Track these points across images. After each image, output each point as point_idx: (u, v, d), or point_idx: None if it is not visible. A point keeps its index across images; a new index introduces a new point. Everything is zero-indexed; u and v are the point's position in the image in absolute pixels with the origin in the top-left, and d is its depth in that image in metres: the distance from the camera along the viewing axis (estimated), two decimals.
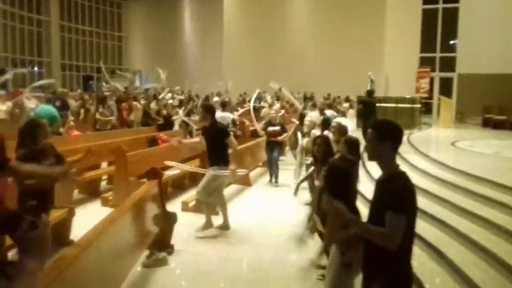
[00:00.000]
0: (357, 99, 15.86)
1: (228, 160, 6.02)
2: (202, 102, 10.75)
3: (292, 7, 25.79)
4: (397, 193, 2.49)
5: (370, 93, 12.39)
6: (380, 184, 2.66)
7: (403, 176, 2.59)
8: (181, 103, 13.86)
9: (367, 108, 11.23)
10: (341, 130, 5.95)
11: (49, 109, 8.94)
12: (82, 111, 13.15)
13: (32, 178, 3.62)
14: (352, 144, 4.95)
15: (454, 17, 19.25)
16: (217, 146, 5.92)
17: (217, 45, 28.63)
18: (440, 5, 19.82)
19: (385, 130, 2.65)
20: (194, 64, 31.93)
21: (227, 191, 7.88)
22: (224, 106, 11.90)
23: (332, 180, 3.40)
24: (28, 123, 4.37)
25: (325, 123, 7.39)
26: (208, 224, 6.02)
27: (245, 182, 8.80)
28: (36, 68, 30.16)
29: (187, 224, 6.05)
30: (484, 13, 17.88)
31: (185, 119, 11.11)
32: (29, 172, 3.31)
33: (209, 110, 6.14)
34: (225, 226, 6.21)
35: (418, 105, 16.48)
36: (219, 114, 11.63)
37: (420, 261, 4.91)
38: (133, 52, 36.49)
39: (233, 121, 10.93)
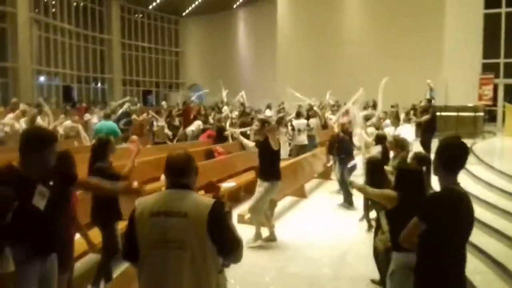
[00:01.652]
0: (412, 108, 15.41)
1: (277, 174, 6.02)
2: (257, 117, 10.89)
3: (346, 18, 25.54)
4: (427, 201, 2.68)
5: (429, 101, 11.95)
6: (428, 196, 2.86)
7: (451, 191, 2.59)
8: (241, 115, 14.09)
9: (431, 116, 10.83)
10: (399, 143, 5.75)
11: (111, 124, 9.33)
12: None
13: (99, 192, 3.85)
14: (422, 159, 4.80)
15: None
16: (265, 161, 5.95)
17: (271, 57, 28.85)
18: (503, 9, 18.94)
19: (439, 146, 2.74)
20: (248, 76, 32.35)
21: (282, 203, 7.88)
22: (298, 115, 12.20)
23: (403, 181, 3.47)
24: (99, 140, 4.63)
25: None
26: (257, 235, 6.04)
27: (300, 193, 8.75)
28: (99, 85, 31.70)
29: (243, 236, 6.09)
30: None
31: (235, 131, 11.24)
32: (96, 186, 3.51)
33: (264, 123, 6.19)
34: (271, 238, 6.21)
35: (481, 113, 15.76)
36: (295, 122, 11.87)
37: (484, 276, 4.77)
38: (190, 66, 37.55)
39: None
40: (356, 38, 24.77)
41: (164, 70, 36.48)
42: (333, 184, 9.41)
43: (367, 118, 11.38)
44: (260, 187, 5.93)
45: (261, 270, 5.26)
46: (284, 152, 9.87)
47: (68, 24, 27.71)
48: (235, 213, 6.77)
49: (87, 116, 10.62)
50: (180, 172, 2.41)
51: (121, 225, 5.09)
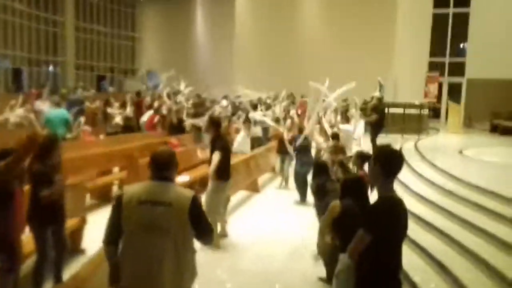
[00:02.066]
0: (364, 103, 15.90)
1: (224, 174, 6.00)
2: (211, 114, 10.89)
3: (302, 10, 25.83)
4: (369, 214, 2.78)
5: (380, 100, 12.45)
6: (368, 206, 2.98)
7: (389, 201, 2.75)
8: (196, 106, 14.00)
9: (379, 115, 11.43)
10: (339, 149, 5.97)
11: (62, 112, 9.08)
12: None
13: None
14: (365, 156, 5.03)
15: (465, 22, 19.23)
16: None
17: (229, 46, 28.75)
18: (451, 9, 19.79)
19: (377, 154, 2.86)
20: (206, 65, 32.14)
21: (235, 198, 8.03)
22: (255, 107, 12.25)
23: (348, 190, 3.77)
24: (47, 139, 4.43)
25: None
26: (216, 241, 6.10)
27: (254, 188, 8.93)
28: (51, 68, 30.56)
29: None
30: (494, 18, 17.84)
31: (194, 122, 11.20)
32: None
33: (213, 123, 6.17)
34: (223, 234, 6.34)
35: (426, 111, 16.50)
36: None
37: (424, 275, 4.97)
38: (146, 52, 36.79)
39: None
40: (311, 32, 25.10)
41: (119, 56, 35.52)
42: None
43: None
44: (210, 186, 6.00)
45: (213, 266, 5.37)
46: (246, 148, 9.96)
47: (19, 4, 26.47)
48: None
49: (38, 104, 10.23)
50: (163, 167, 2.79)
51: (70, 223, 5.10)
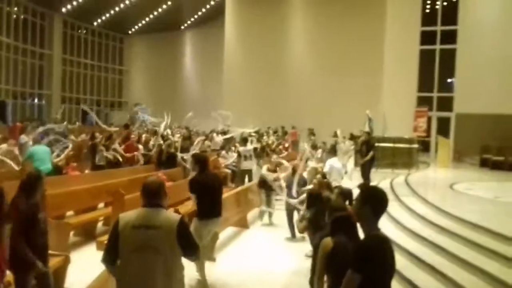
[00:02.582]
0: (350, 137, 15.94)
1: (214, 213, 5.84)
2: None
3: (291, 45, 26.20)
4: (357, 252, 2.72)
5: (368, 134, 12.47)
6: (355, 245, 2.89)
7: (377, 238, 2.73)
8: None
9: (368, 149, 11.39)
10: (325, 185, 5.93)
11: (44, 148, 8.93)
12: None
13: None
14: (346, 194, 5.08)
15: (451, 58, 19.59)
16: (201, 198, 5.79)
17: (218, 79, 28.95)
18: (438, 46, 20.20)
19: (368, 194, 2.84)
20: (194, 98, 32.23)
21: (223, 234, 7.80)
22: (245, 141, 12.29)
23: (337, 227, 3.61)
24: (30, 176, 4.28)
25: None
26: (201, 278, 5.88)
27: (243, 224, 8.71)
28: (36, 100, 30.39)
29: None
30: (481, 54, 18.21)
31: (183, 156, 11.05)
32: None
33: (197, 160, 5.97)
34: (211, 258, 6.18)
35: (416, 145, 16.57)
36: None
37: None
38: (134, 85, 36.91)
39: None
40: (299, 67, 25.43)
41: (106, 88, 35.61)
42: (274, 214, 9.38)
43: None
44: (192, 224, 5.77)
45: None
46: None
47: (6, 37, 26.49)
48: None
49: (23, 138, 9.99)
50: (153, 195, 3.15)
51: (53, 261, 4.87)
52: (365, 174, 11.37)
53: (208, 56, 31.97)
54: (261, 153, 13.53)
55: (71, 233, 6.95)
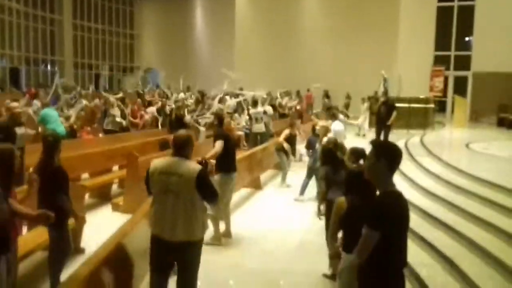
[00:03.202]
0: (368, 99, 15.69)
1: (231, 167, 5.96)
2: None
3: (304, 7, 25.61)
4: (374, 209, 2.64)
5: (386, 94, 12.29)
6: (372, 203, 2.76)
7: (393, 195, 2.66)
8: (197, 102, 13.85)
9: (389, 109, 11.20)
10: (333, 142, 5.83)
11: (55, 112, 8.99)
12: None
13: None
14: (359, 153, 4.95)
15: (470, 15, 18.96)
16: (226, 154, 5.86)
17: (229, 43, 28.55)
18: (456, 3, 19.55)
19: (382, 149, 2.75)
20: (206, 63, 31.91)
21: (237, 195, 7.84)
22: (255, 103, 12.21)
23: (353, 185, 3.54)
24: (50, 137, 4.42)
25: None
26: (217, 235, 5.95)
27: (256, 185, 8.74)
28: (49, 67, 30.42)
29: None
30: (500, 11, 17.55)
31: (192, 121, 11.01)
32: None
33: (218, 117, 6.20)
34: (227, 233, 6.17)
35: (432, 105, 16.30)
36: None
37: (431, 271, 4.85)
38: (145, 50, 36.60)
39: None
40: (313, 28, 24.91)
41: (118, 53, 35.38)
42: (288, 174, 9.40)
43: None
44: (214, 181, 5.85)
45: (216, 266, 5.20)
46: None
47: (16, 3, 26.30)
48: None
49: (35, 103, 10.04)
50: (180, 146, 3.62)
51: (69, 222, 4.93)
52: (385, 136, 11.24)
53: (219, 20, 31.38)
54: (274, 114, 13.43)
55: (87, 195, 7.04)
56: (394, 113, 11.04)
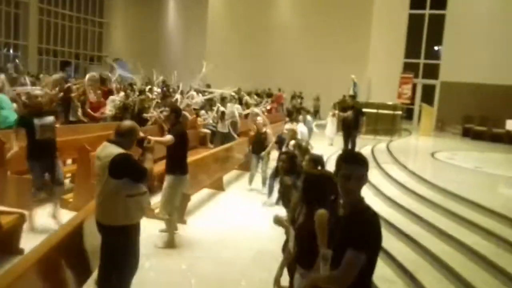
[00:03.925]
0: (338, 104, 15.58)
1: (185, 168, 5.63)
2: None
3: (279, 3, 25.42)
4: (359, 230, 2.31)
5: (354, 97, 12.01)
6: (344, 220, 2.43)
7: (368, 212, 2.40)
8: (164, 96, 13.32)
9: (357, 115, 10.50)
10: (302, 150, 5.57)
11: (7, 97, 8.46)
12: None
13: None
14: (318, 161, 4.75)
15: (440, 24, 19.17)
16: (173, 153, 5.51)
17: (201, 34, 28.08)
18: (427, 11, 19.72)
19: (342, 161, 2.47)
20: (177, 55, 31.30)
21: (197, 196, 7.51)
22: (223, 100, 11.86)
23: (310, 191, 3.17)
24: None
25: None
26: (170, 239, 5.63)
27: (218, 186, 8.41)
28: (11, 51, 29.16)
29: (148, 235, 5.62)
30: (470, 21, 17.79)
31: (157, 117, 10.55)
32: None
33: (174, 110, 5.77)
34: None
35: (399, 112, 16.37)
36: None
37: (392, 284, 4.71)
38: (114, 39, 35.64)
39: None
40: (287, 26, 24.78)
41: (86, 41, 34.31)
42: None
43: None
44: (166, 182, 5.51)
45: (167, 271, 4.91)
46: None
47: None
48: None
49: None
50: (117, 133, 3.68)
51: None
52: (352, 143, 10.71)
53: (191, 10, 30.80)
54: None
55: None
56: (363, 119, 10.55)
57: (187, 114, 10.28)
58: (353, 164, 2.42)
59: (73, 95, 10.82)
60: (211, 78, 18.43)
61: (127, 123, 3.80)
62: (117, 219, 3.60)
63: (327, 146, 12.87)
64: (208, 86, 18.69)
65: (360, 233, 2.28)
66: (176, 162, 5.51)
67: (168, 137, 5.42)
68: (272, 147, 8.50)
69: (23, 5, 28.89)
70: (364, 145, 12.18)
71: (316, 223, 2.97)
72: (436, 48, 20.26)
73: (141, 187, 3.69)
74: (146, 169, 3.67)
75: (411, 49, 19.95)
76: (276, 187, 7.74)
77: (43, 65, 29.83)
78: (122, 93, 11.94)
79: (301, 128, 9.66)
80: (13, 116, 7.91)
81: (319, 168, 4.76)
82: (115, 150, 3.57)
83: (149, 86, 14.89)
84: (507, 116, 12.78)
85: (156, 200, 6.25)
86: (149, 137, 5.33)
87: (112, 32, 35.54)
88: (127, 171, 3.57)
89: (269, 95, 21.07)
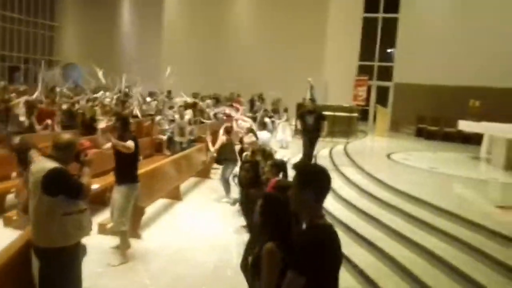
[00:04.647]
0: (297, 108, 15.60)
1: (137, 177, 5.42)
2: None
3: (233, 8, 25.29)
4: (301, 251, 2.17)
5: (313, 101, 11.54)
6: (297, 239, 2.32)
7: (321, 231, 2.24)
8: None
9: (318, 118, 9.86)
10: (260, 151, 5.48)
11: None
12: None
13: None
14: (280, 166, 4.73)
15: (393, 27, 19.59)
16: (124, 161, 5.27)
17: (157, 37, 27.55)
18: (380, 14, 20.10)
19: (307, 175, 2.32)
20: (131, 59, 30.59)
21: (153, 206, 7.25)
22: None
23: (268, 214, 2.76)
24: None
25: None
26: (124, 256, 5.36)
27: (175, 195, 8.15)
28: None
29: (100, 252, 5.34)
30: (422, 24, 18.23)
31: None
32: None
33: (120, 119, 5.47)
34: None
35: (356, 114, 16.57)
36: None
37: None
38: (67, 42, 34.49)
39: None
40: (242, 30, 24.67)
41: (35, 45, 32.99)
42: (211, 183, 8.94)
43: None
44: (119, 193, 5.24)
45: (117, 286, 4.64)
46: None
47: None
48: (96, 221, 5.99)
49: None
50: (52, 146, 3.40)
51: None
52: (312, 147, 10.06)
53: (147, 13, 30.14)
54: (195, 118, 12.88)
55: None
56: (325, 124, 9.89)
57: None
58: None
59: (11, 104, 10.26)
60: (168, 82, 18.11)
61: (65, 136, 3.50)
62: (54, 240, 3.28)
63: (280, 149, 12.80)
64: (169, 92, 18.37)
65: (300, 256, 2.15)
66: (128, 171, 5.26)
67: (130, 143, 5.16)
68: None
69: None
70: (322, 147, 12.20)
71: (262, 261, 2.56)
72: (389, 50, 20.69)
73: (80, 204, 3.41)
74: (83, 184, 3.36)
75: (366, 51, 20.29)
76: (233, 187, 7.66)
77: None
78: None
79: (261, 135, 9.57)
80: None
81: (281, 174, 4.65)
82: (49, 164, 3.27)
83: (101, 92, 14.49)
84: (459, 117, 13.14)
85: (106, 215, 5.96)
86: (113, 139, 5.12)
87: (64, 35, 34.38)
88: (62, 187, 3.26)
89: (229, 99, 20.91)
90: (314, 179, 2.28)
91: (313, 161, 9.74)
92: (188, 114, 11.97)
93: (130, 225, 5.52)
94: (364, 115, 19.68)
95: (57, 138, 3.45)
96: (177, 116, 11.20)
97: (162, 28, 27.02)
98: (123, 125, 5.34)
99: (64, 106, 11.31)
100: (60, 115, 10.55)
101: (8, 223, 5.90)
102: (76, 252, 3.45)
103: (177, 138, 10.87)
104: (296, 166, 2.41)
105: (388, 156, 11.12)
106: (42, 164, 3.32)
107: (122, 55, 31.23)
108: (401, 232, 5.70)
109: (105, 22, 31.85)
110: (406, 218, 6.16)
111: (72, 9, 33.97)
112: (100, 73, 16.52)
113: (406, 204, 6.56)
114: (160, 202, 7.67)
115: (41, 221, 3.27)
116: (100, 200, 6.97)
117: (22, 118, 9.50)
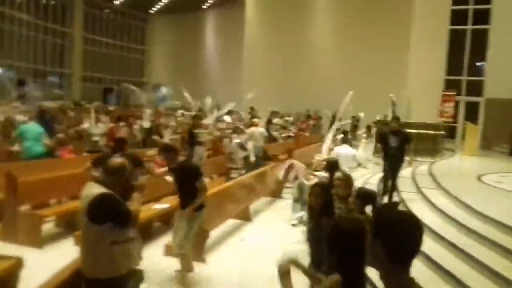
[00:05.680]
0: (376, 125, 14.95)
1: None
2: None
3: (313, 25, 25.12)
4: None
5: (398, 119, 9.79)
6: None
7: None
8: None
9: (405, 140, 8.71)
10: (349, 183, 4.51)
11: (36, 127, 8.43)
12: None
13: None
14: (367, 197, 4.01)
15: (483, 39, 18.25)
16: (185, 187, 5.13)
17: (239, 61, 28.19)
18: (469, 26, 18.86)
19: (379, 223, 1.70)
20: (215, 80, 31.58)
21: (221, 227, 7.07)
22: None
23: (335, 244, 2.27)
24: None
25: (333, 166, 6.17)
26: (184, 281, 5.22)
27: (245, 216, 7.95)
28: (56, 79, 30.26)
29: (164, 275, 5.24)
30: None
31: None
32: None
33: (166, 149, 5.29)
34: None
35: (441, 132, 15.52)
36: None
37: None
38: (155, 65, 36.46)
39: None
40: (322, 46, 24.41)
41: (128, 68, 35.25)
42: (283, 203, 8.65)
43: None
44: (182, 216, 5.11)
45: None
46: None
47: (26, 14, 26.27)
48: (163, 242, 5.94)
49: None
50: (103, 170, 3.25)
51: None
52: (395, 176, 8.78)
53: (229, 36, 31.14)
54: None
55: (52, 224, 6.34)
56: (411, 147, 8.77)
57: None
58: None
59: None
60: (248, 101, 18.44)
61: (117, 160, 3.31)
62: (101, 270, 3.14)
63: (359, 168, 12.21)
64: (252, 108, 18.72)
65: None
66: (193, 195, 5.12)
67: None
68: None
69: (68, 35, 30.05)
70: (404, 167, 11.41)
71: None
72: (479, 64, 19.28)
73: (128, 232, 3.24)
74: (132, 211, 3.17)
75: (453, 65, 19.09)
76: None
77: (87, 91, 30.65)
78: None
79: (341, 150, 8.96)
80: (36, 148, 7.86)
81: (368, 207, 3.97)
82: (96, 190, 3.10)
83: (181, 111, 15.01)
84: None
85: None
86: (157, 169, 5.09)
87: (153, 59, 36.37)
88: (109, 215, 3.09)
89: (308, 116, 20.79)
90: (385, 231, 1.65)
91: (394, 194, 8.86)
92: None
93: (194, 249, 5.38)
94: (450, 132, 18.43)
95: (109, 162, 3.29)
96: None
97: (243, 49, 27.56)
98: (171, 155, 5.16)
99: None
100: None
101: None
102: (125, 282, 3.27)
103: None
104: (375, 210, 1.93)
105: (479, 178, 10.15)
106: (89, 189, 3.15)
107: (205, 77, 32.33)
108: (492, 267, 5.02)
109: (190, 46, 33.42)
110: (499, 250, 5.43)
111: (160, 34, 35.96)
112: (186, 94, 17.21)
113: (501, 236, 5.79)
114: (230, 222, 7.50)
115: (88, 250, 3.16)
116: (169, 220, 6.94)
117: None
